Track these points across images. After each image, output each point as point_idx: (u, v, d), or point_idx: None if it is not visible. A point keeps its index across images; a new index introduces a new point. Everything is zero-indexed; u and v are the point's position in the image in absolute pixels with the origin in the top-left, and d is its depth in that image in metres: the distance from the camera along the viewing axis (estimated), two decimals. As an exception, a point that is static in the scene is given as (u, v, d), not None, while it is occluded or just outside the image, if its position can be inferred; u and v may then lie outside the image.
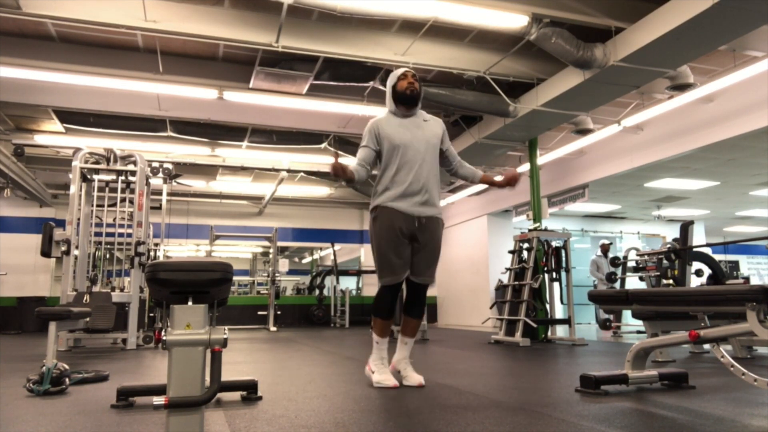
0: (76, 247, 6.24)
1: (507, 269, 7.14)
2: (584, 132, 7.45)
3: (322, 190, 11.89)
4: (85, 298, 5.77)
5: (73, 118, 7.39)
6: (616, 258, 8.79)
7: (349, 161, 3.09)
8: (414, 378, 2.98)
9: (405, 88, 3.03)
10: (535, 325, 6.19)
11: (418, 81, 3.08)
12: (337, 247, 13.18)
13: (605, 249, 9.85)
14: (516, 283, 6.72)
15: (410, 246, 2.96)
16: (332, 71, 6.17)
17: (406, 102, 3.05)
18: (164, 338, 1.66)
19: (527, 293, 6.38)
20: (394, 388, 2.87)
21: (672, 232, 12.35)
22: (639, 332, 8.21)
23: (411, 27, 5.63)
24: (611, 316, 8.59)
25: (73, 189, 6.31)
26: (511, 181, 3.16)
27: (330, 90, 6.76)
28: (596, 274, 9.66)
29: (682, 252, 6.43)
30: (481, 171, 3.28)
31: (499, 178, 3.21)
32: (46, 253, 6.10)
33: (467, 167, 3.27)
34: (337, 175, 2.79)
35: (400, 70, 3.11)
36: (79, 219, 6.34)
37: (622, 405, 2.42)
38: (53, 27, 5.69)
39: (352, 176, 2.92)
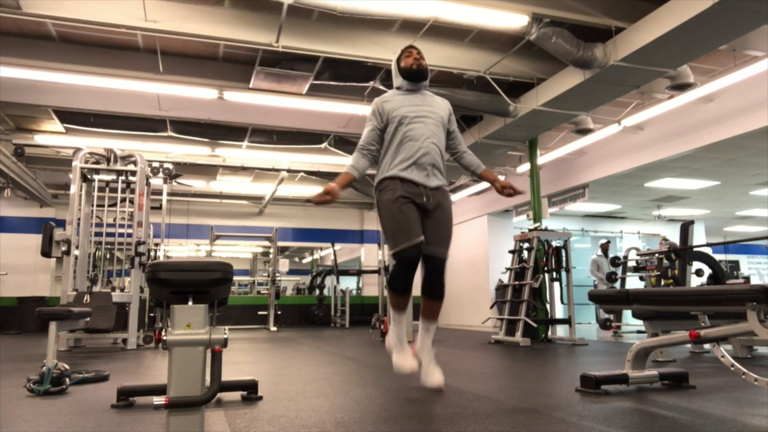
0: (77, 247, 6.24)
1: (507, 269, 7.14)
2: (584, 132, 7.45)
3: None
4: (85, 298, 5.77)
5: (74, 118, 7.40)
6: (616, 258, 8.79)
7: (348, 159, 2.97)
8: (434, 378, 2.78)
9: (411, 63, 2.96)
10: (535, 325, 6.19)
11: (425, 58, 3.00)
12: (337, 247, 13.18)
13: (605, 249, 9.85)
14: (516, 282, 6.72)
15: (419, 212, 2.80)
16: (332, 71, 6.17)
17: (412, 77, 2.97)
18: (164, 338, 1.66)
19: (527, 293, 6.38)
20: (412, 373, 2.71)
21: (672, 232, 12.34)
22: (639, 332, 8.21)
23: (411, 27, 5.62)
24: (611, 316, 8.58)
25: (74, 189, 6.31)
26: (506, 189, 3.02)
27: (330, 90, 6.76)
28: (596, 274, 9.66)
29: (682, 252, 6.43)
30: (484, 166, 3.15)
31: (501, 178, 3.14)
32: (46, 253, 6.10)
33: (472, 156, 3.14)
34: (326, 200, 2.71)
35: (405, 47, 3.04)
36: (79, 219, 6.34)
37: (622, 405, 2.42)
38: (53, 27, 5.69)
39: (349, 179, 2.85)
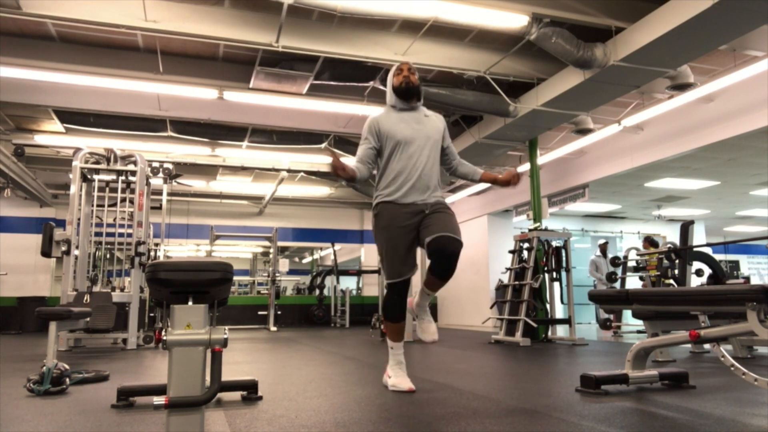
0: (77, 247, 6.24)
1: (507, 269, 7.14)
2: (584, 132, 7.45)
3: (322, 190, 11.89)
4: (85, 298, 5.77)
5: (74, 118, 7.39)
6: (616, 258, 8.79)
7: (349, 160, 2.99)
8: (429, 331, 2.89)
9: (400, 82, 2.99)
10: (535, 325, 6.19)
11: (415, 74, 3.02)
12: (337, 247, 13.17)
13: (604, 249, 9.86)
14: (516, 282, 6.72)
15: (416, 238, 2.84)
16: (332, 71, 6.17)
17: (403, 96, 3.00)
18: (164, 338, 1.66)
19: (527, 293, 6.38)
20: (410, 392, 2.77)
21: (672, 232, 12.36)
22: (639, 332, 8.21)
23: (411, 27, 5.63)
24: (611, 316, 8.58)
25: (74, 189, 6.31)
26: (512, 180, 3.09)
27: (330, 90, 6.76)
28: (595, 275, 9.66)
29: (682, 252, 6.43)
30: (481, 169, 3.19)
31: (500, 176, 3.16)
32: (46, 253, 6.10)
33: (467, 165, 3.19)
34: (337, 173, 2.71)
35: (397, 64, 3.07)
36: (79, 219, 6.34)
37: (622, 405, 2.42)
38: (53, 27, 5.69)
39: (353, 174, 2.86)
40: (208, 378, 1.70)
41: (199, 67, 6.46)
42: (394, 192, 2.88)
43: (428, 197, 2.90)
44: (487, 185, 10.56)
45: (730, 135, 6.54)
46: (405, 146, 2.91)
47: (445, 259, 2.73)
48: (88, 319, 4.80)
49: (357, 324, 11.47)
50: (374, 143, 2.96)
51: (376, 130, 2.96)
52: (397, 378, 2.88)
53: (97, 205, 6.76)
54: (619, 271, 8.64)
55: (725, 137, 6.60)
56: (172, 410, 1.61)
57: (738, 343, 4.32)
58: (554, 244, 6.95)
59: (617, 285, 8.45)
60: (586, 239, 13.17)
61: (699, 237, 12.23)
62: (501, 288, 8.99)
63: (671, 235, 12.38)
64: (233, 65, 6.55)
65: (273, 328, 10.13)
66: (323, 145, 8.50)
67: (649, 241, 8.20)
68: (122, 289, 6.45)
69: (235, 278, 10.42)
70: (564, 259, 6.85)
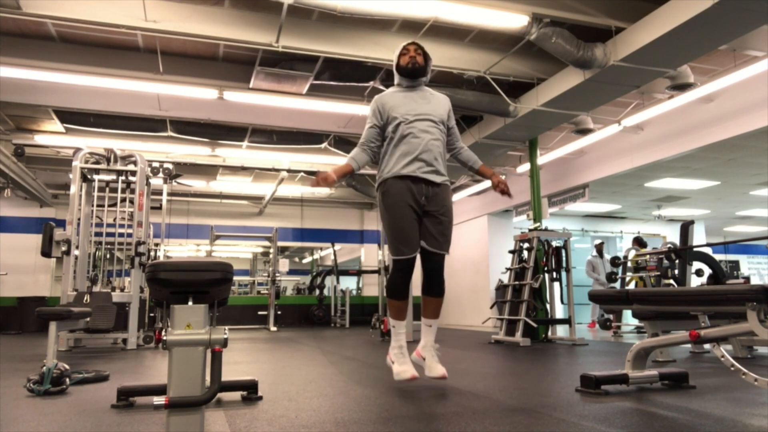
0: (77, 247, 6.24)
1: (507, 269, 7.14)
2: (584, 132, 7.45)
3: (322, 190, 11.89)
4: (85, 298, 5.77)
5: (74, 118, 7.40)
6: (616, 258, 8.79)
7: (342, 160, 3.01)
8: (437, 369, 2.85)
9: (407, 62, 3.00)
10: (535, 325, 6.19)
11: (422, 54, 3.02)
12: (337, 247, 13.18)
13: (600, 249, 9.88)
14: (516, 282, 6.72)
15: (420, 217, 2.88)
16: (332, 71, 6.17)
17: (408, 75, 3.01)
18: (164, 338, 1.66)
19: (527, 293, 6.38)
20: (412, 380, 2.76)
21: (672, 232, 12.36)
22: (639, 332, 8.21)
23: (411, 27, 5.63)
24: (611, 316, 8.59)
25: (74, 189, 6.31)
26: (499, 185, 3.10)
27: (330, 90, 6.76)
28: (592, 275, 9.68)
29: (682, 252, 6.42)
30: (481, 162, 3.19)
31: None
32: (46, 253, 6.10)
33: (469, 152, 3.19)
34: (322, 185, 2.82)
35: (403, 44, 3.06)
36: (79, 219, 6.34)
37: (622, 405, 2.42)
38: (53, 27, 5.69)
39: (348, 170, 2.90)
40: (208, 378, 1.70)
41: (199, 67, 6.46)
42: (399, 165, 2.87)
43: (432, 174, 2.89)
44: (488, 185, 10.61)
45: (730, 135, 6.54)
46: (410, 121, 2.91)
47: (435, 274, 2.92)
48: (88, 319, 4.80)
49: (357, 324, 11.47)
50: (377, 122, 2.98)
51: (380, 108, 2.98)
52: (399, 366, 2.86)
53: (97, 205, 6.76)
54: (619, 271, 8.65)
55: (725, 137, 6.60)
56: (172, 410, 1.61)
57: (738, 343, 4.32)
58: (554, 244, 6.94)
59: (617, 285, 8.45)
60: (586, 239, 13.16)
61: (699, 237, 12.23)
62: (501, 288, 8.98)
63: (671, 235, 12.39)
64: (233, 65, 6.55)
65: (273, 328, 10.13)
66: (323, 145, 8.49)
67: (638, 242, 8.23)
68: (122, 289, 6.45)
69: (235, 278, 10.41)
70: (564, 259, 6.85)
